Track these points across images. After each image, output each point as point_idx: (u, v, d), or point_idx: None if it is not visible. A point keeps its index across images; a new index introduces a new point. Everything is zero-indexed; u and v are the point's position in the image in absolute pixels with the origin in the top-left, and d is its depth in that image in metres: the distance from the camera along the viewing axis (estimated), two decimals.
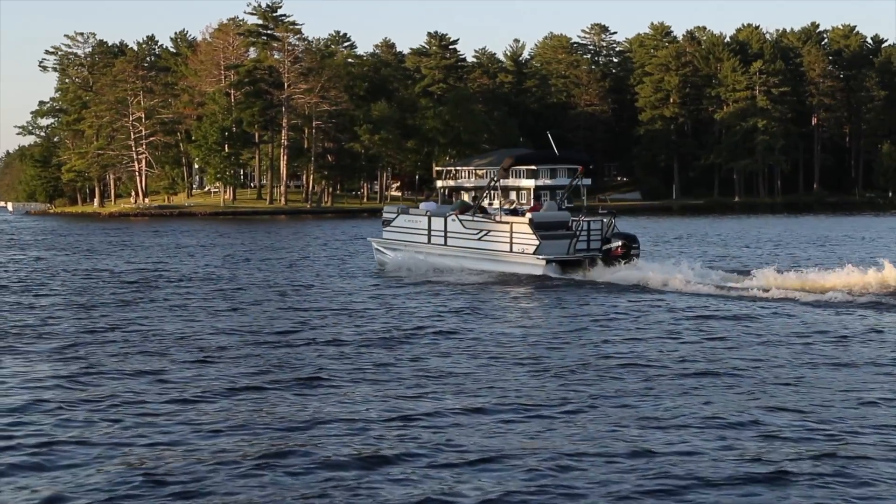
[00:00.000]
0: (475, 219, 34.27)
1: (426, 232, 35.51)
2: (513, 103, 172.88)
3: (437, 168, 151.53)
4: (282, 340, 19.89)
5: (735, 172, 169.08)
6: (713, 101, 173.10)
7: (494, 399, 14.59)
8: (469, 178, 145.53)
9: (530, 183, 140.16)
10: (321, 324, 22.31)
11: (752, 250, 48.24)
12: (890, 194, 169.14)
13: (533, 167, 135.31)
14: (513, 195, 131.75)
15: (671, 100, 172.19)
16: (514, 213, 35.14)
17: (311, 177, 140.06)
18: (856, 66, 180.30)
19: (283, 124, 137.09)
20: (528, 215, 33.46)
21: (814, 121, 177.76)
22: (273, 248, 51.82)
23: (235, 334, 20.59)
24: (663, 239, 59.44)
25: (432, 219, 35.50)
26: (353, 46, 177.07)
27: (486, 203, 38.78)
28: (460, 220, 34.54)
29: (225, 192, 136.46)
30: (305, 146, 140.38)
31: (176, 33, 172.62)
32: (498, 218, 33.88)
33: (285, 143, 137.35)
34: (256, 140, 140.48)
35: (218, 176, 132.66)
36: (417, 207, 37.95)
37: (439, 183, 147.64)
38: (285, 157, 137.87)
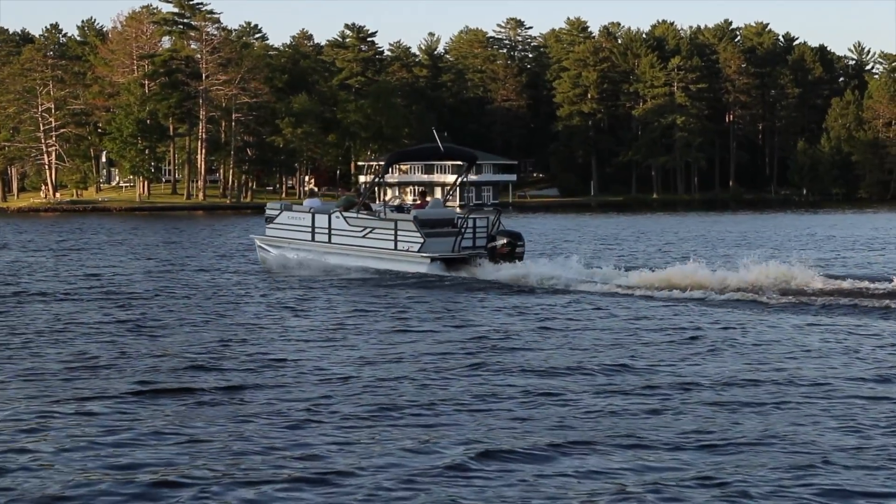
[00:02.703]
0: (359, 216, 33.54)
1: (310, 229, 34.59)
2: (429, 98, 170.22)
3: (360, 163, 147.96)
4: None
5: (653, 169, 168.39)
6: (631, 97, 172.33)
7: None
8: (393, 173, 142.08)
9: (462, 179, 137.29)
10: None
11: (655, 247, 49.87)
12: (805, 192, 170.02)
13: (459, 163, 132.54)
14: (436, 191, 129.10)
15: (589, 95, 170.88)
16: (400, 210, 34.24)
17: (231, 171, 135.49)
18: (769, 64, 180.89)
19: (201, 117, 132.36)
20: (413, 213, 33.00)
21: (729, 118, 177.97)
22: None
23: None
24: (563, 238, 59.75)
25: (316, 216, 34.54)
26: (264, 38, 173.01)
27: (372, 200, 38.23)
28: (344, 218, 33.63)
29: (140, 187, 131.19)
30: (223, 139, 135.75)
31: (83, 21, 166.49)
32: (383, 215, 33.30)
33: (203, 136, 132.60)
34: (172, 133, 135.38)
35: (134, 170, 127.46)
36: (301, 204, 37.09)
37: (361, 178, 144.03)
38: (203, 151, 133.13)
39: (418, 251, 31.87)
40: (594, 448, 11.42)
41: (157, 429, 12.52)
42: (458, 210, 38.88)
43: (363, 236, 33.10)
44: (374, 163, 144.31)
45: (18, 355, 18.02)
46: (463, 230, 32.30)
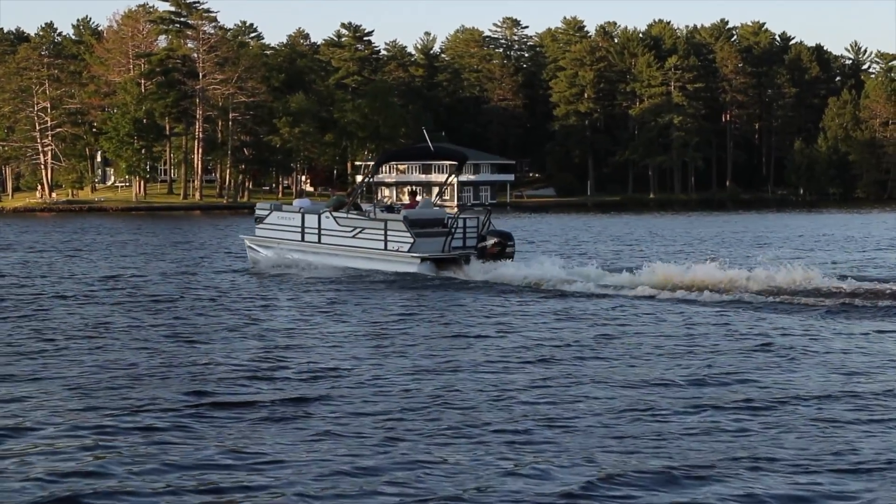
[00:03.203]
0: (349, 216, 33.47)
1: (300, 229, 34.52)
2: (425, 97, 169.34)
3: (357, 163, 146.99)
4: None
5: (650, 169, 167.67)
6: (628, 97, 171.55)
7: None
8: (390, 172, 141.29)
9: (452, 178, 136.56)
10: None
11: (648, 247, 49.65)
12: (802, 191, 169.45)
13: (454, 163, 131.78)
14: (433, 190, 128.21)
15: (585, 95, 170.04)
16: (390, 210, 34.17)
17: (228, 171, 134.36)
18: (766, 64, 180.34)
19: (198, 116, 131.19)
20: (403, 213, 32.94)
21: (726, 117, 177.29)
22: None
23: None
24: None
25: (306, 216, 34.44)
26: (260, 37, 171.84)
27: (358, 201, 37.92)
28: (334, 218, 33.52)
29: (137, 187, 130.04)
30: (220, 139, 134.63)
31: (78, 20, 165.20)
32: (372, 215, 33.24)
33: (200, 135, 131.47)
34: (168, 132, 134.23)
35: (130, 170, 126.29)
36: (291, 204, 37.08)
37: (358, 178, 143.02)
38: (200, 151, 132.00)
39: (408, 251, 31.69)
40: (719, 471, 10.49)
41: (228, 447, 11.64)
42: (454, 210, 38.65)
43: (353, 236, 32.98)
44: (372, 163, 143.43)
45: (56, 363, 17.14)
46: (453, 230, 32.12)
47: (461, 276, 30.80)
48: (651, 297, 25.90)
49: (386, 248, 32.15)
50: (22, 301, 26.29)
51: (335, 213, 33.61)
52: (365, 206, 35.12)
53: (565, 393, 14.47)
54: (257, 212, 36.98)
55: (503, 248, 32.10)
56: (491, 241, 32.14)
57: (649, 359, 17.27)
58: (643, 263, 30.34)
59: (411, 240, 31.64)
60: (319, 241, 33.85)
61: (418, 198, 36.44)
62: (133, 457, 11.24)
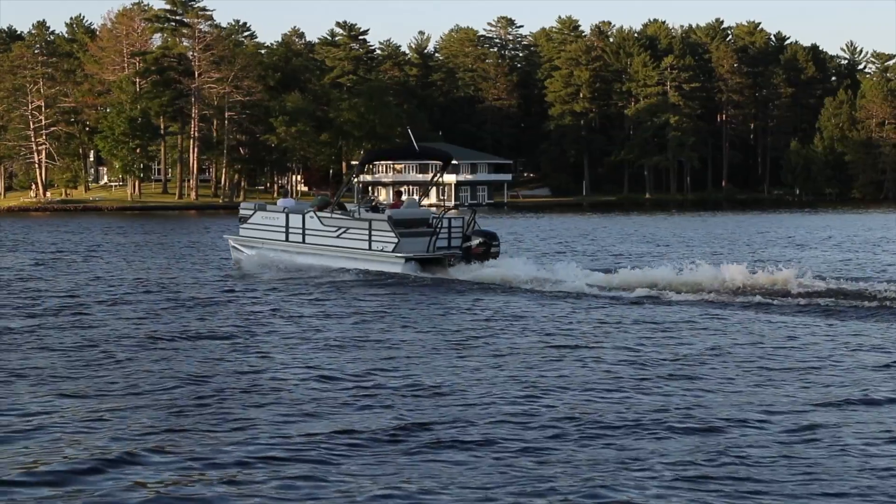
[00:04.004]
0: (333, 216, 33.27)
1: (284, 229, 34.31)
2: (420, 97, 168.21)
3: (353, 162, 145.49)
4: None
5: (646, 169, 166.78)
6: (623, 97, 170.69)
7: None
8: (387, 172, 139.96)
9: (451, 178, 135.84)
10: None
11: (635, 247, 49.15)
12: (798, 192, 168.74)
13: (455, 163, 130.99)
14: (430, 191, 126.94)
15: (581, 94, 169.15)
16: (375, 209, 33.89)
17: (224, 170, 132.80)
18: (762, 63, 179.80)
19: (194, 115, 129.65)
20: (387, 212, 32.78)
21: (722, 117, 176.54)
22: None
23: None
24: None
25: (290, 216, 34.21)
26: (253, 36, 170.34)
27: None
28: (318, 217, 33.33)
29: (131, 186, 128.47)
30: (216, 138, 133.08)
31: (71, 18, 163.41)
32: (357, 215, 32.96)
33: (196, 134, 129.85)
34: (163, 131, 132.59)
35: (125, 169, 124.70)
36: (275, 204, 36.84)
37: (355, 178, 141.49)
38: (195, 150, 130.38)
39: (392, 251, 31.46)
40: None
41: (376, 483, 10.20)
42: (452, 209, 37.92)
43: (337, 236, 32.78)
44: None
45: (123, 377, 15.66)
46: (438, 230, 31.90)
47: (445, 275, 30.36)
48: (727, 304, 24.53)
49: (370, 248, 31.92)
50: (58, 306, 24.72)
51: (319, 213, 33.40)
52: (349, 206, 34.85)
53: (715, 417, 12.91)
54: (241, 212, 36.63)
55: (488, 248, 31.85)
56: (476, 241, 31.93)
57: (778, 374, 15.77)
58: (690, 266, 28.92)
59: (395, 240, 31.39)
60: (304, 241, 33.66)
61: (404, 197, 35.94)
62: (272, 499, 9.74)
